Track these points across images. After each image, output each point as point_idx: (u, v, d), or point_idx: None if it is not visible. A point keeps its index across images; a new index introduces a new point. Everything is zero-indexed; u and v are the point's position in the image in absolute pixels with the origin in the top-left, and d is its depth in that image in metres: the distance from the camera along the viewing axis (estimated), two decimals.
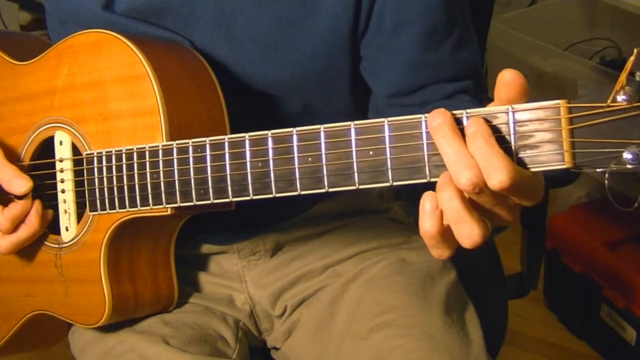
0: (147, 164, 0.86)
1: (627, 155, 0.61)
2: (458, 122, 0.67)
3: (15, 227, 0.93)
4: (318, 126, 0.73)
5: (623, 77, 0.59)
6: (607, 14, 2.32)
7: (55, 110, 0.95)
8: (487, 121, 0.66)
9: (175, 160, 0.83)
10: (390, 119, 0.70)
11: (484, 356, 0.95)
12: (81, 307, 0.95)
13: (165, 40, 0.94)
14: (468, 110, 0.67)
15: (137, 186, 0.87)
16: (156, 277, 0.98)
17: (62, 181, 0.94)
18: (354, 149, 0.71)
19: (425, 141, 0.68)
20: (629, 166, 0.61)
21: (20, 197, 0.94)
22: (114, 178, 0.89)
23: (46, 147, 0.96)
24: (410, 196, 1.17)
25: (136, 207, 0.87)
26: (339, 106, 1.01)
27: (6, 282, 1.02)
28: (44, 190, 0.96)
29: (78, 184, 0.93)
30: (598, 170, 0.62)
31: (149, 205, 0.86)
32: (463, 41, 0.95)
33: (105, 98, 0.91)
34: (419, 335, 0.93)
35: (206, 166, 0.81)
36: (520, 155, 0.65)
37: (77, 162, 0.93)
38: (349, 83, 0.97)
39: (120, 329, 0.99)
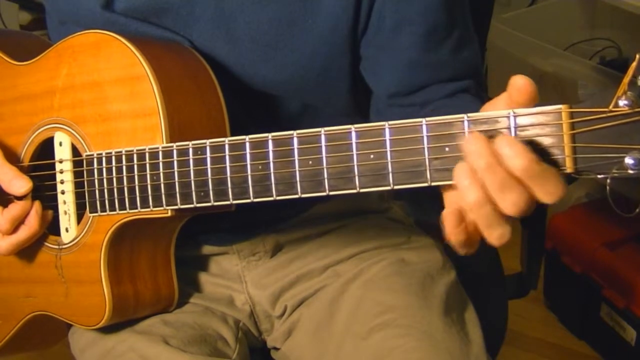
0: (147, 165, 0.86)
1: (628, 161, 0.61)
2: (459, 125, 0.67)
3: (15, 228, 0.93)
4: (319, 129, 0.73)
5: (625, 82, 0.59)
6: (607, 14, 2.32)
7: (54, 111, 0.95)
8: (488, 125, 0.66)
9: (175, 162, 0.83)
10: (391, 122, 0.70)
11: (484, 356, 0.95)
12: (81, 308, 0.95)
13: (165, 41, 0.94)
14: (469, 115, 0.67)
15: (137, 188, 0.87)
16: (156, 278, 0.98)
17: (62, 182, 0.94)
18: (354, 152, 0.71)
19: (426, 145, 0.68)
20: (630, 171, 0.61)
21: (20, 198, 0.94)
22: (114, 179, 0.89)
23: (46, 148, 0.96)
24: (411, 196, 1.18)
25: (136, 208, 0.87)
26: (338, 106, 1.01)
27: (6, 282, 1.02)
28: (43, 191, 0.96)
29: (78, 185, 0.93)
30: (600, 176, 0.61)
31: (149, 207, 0.86)
32: (463, 41, 0.95)
33: (105, 99, 0.90)
34: (418, 335, 0.93)
35: (206, 168, 0.81)
36: None
37: (77, 163, 0.93)
38: (349, 83, 0.97)
39: (121, 329, 0.99)
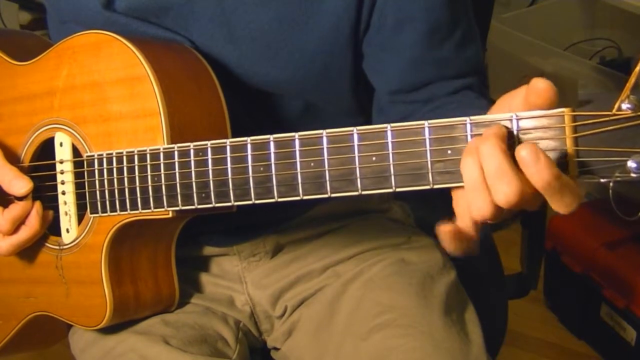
0: (149, 166, 0.85)
1: (631, 164, 0.61)
2: (462, 128, 0.67)
3: (15, 229, 0.93)
4: (320, 131, 0.73)
5: (629, 86, 0.59)
6: (607, 14, 2.32)
7: (55, 111, 0.95)
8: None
9: (176, 164, 0.83)
10: (393, 124, 0.70)
11: (484, 356, 0.95)
12: (82, 309, 0.95)
13: (166, 41, 0.94)
14: (472, 118, 0.67)
15: (138, 189, 0.87)
16: (157, 278, 0.98)
17: (63, 183, 0.94)
18: (356, 154, 0.71)
19: (428, 148, 0.68)
20: (633, 175, 0.61)
21: (20, 199, 0.94)
22: (115, 180, 0.88)
23: (46, 148, 0.96)
24: (416, 195, 1.18)
25: (137, 209, 0.87)
26: (340, 105, 1.01)
27: (7, 283, 1.02)
28: (44, 192, 0.96)
29: (79, 185, 0.93)
30: (602, 180, 0.61)
31: (150, 208, 0.86)
32: (466, 39, 0.95)
33: (106, 99, 0.90)
34: (418, 335, 0.93)
35: (208, 170, 0.81)
36: None
37: (77, 164, 0.93)
38: (351, 82, 0.97)
39: (121, 329, 0.99)
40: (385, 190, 0.70)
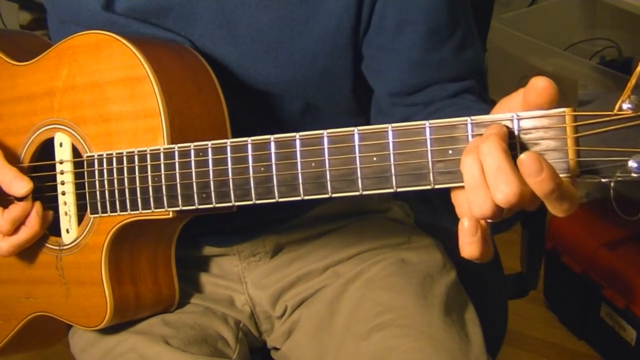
0: (149, 167, 0.85)
1: (632, 164, 0.61)
2: (463, 128, 0.66)
3: (15, 229, 0.93)
4: (321, 131, 0.73)
5: (630, 86, 0.59)
6: (607, 14, 2.32)
7: (55, 112, 0.95)
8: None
9: (177, 164, 0.83)
10: (394, 124, 0.70)
11: (483, 356, 0.95)
12: (82, 309, 0.95)
13: (166, 41, 0.94)
14: (473, 118, 0.67)
15: (138, 189, 0.87)
16: (157, 279, 0.98)
17: (63, 183, 0.94)
18: (357, 154, 0.71)
19: (429, 148, 0.68)
20: (634, 175, 0.61)
21: (20, 199, 0.94)
22: (115, 181, 0.88)
23: (46, 149, 0.96)
24: (418, 196, 1.17)
25: (137, 210, 0.87)
26: (340, 106, 1.01)
27: (7, 283, 1.02)
28: (44, 192, 0.96)
29: (79, 186, 0.93)
30: (603, 180, 0.61)
31: (150, 208, 0.86)
32: (466, 41, 0.95)
33: (106, 100, 0.90)
34: (418, 335, 0.93)
35: (208, 170, 0.81)
36: None
37: (77, 164, 0.93)
38: (351, 83, 0.97)
39: (121, 329, 0.99)
40: (386, 190, 0.70)
